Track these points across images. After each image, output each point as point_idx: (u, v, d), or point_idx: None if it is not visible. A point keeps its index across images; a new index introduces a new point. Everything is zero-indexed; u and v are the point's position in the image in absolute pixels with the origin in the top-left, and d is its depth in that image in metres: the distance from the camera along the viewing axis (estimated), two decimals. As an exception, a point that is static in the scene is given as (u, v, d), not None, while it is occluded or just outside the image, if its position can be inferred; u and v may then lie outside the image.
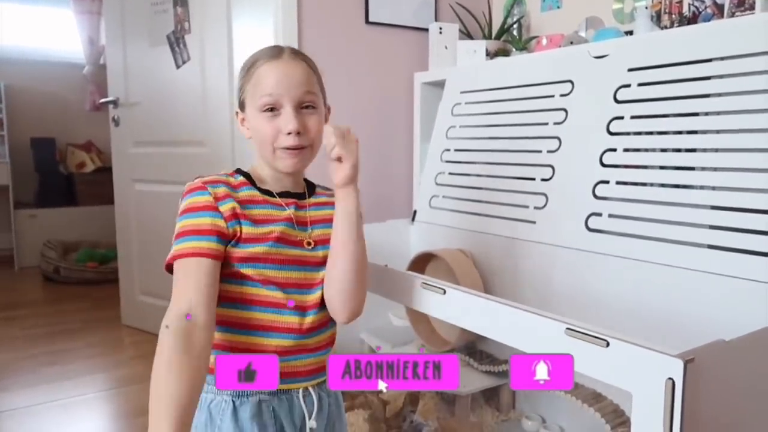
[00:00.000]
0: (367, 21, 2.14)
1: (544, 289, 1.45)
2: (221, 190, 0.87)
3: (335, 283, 0.90)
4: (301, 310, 0.89)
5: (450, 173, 1.80)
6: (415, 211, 1.88)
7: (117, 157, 2.71)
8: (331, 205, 0.96)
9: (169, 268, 0.85)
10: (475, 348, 1.63)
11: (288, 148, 0.89)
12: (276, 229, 0.89)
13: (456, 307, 0.96)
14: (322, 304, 0.92)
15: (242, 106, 0.94)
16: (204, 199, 0.86)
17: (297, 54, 0.95)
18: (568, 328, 0.77)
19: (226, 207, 0.86)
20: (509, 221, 1.56)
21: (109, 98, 2.64)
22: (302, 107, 0.90)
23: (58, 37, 4.38)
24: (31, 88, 4.26)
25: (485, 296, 0.91)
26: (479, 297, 0.91)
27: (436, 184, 1.83)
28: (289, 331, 0.88)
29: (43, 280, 3.64)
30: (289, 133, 0.88)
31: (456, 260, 1.57)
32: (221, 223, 0.85)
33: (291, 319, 0.88)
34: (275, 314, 0.87)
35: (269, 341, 0.87)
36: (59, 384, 2.09)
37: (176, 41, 2.36)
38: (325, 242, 0.93)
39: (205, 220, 0.85)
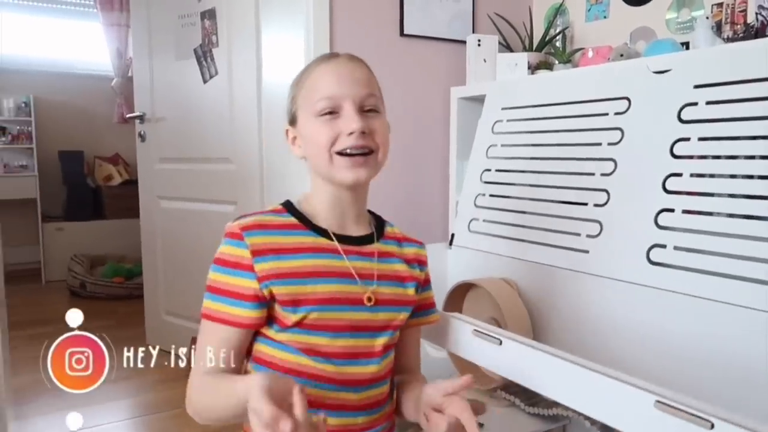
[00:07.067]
0: (401, 33, 2.05)
1: (598, 326, 1.32)
2: (260, 240, 0.74)
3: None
4: (354, 384, 0.75)
5: (491, 195, 1.68)
6: (452, 235, 1.77)
7: (143, 173, 2.66)
8: (400, 257, 0.83)
9: None
10: (522, 387, 1.51)
11: (351, 152, 0.75)
12: (329, 287, 0.75)
13: (515, 362, 0.85)
14: (382, 378, 0.79)
15: (293, 120, 0.82)
16: (239, 253, 0.74)
17: (355, 57, 0.82)
18: (658, 401, 0.65)
19: (262, 266, 0.73)
20: (558, 249, 1.44)
21: (136, 113, 2.59)
22: (365, 111, 0.77)
23: (87, 50, 4.39)
24: (59, 100, 4.27)
25: (551, 351, 0.79)
26: (544, 352, 0.79)
27: (476, 206, 1.71)
28: (338, 409, 0.74)
29: (70, 295, 3.61)
30: (352, 134, 0.75)
31: (500, 291, 1.46)
32: (255, 285, 0.73)
33: (342, 396, 0.75)
34: (323, 390, 0.74)
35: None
36: (81, 411, 2.01)
37: (204, 55, 2.29)
38: (389, 303, 0.79)
39: (240, 282, 0.74)
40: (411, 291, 0.83)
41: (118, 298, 3.52)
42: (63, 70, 4.26)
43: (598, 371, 0.72)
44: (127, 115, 2.80)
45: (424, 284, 0.89)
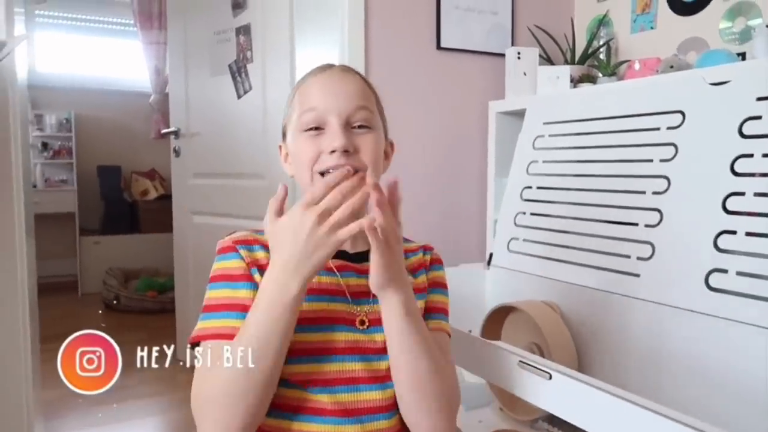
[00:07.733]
0: (438, 46, 2.00)
1: (649, 356, 1.23)
2: (253, 254, 0.70)
3: (400, 403, 0.69)
4: (355, 414, 0.68)
5: (532, 213, 1.61)
6: (490, 255, 1.69)
7: (176, 188, 2.66)
8: (407, 269, 0.75)
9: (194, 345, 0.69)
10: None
11: (333, 170, 0.68)
12: (320, 306, 0.69)
13: (565, 399, 0.77)
14: (392, 408, 0.70)
15: (285, 134, 0.77)
16: (235, 264, 0.70)
17: (349, 68, 0.76)
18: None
19: (258, 278, 0.69)
20: (606, 272, 1.35)
21: (171, 129, 2.60)
22: (353, 126, 0.71)
23: (126, 68, 4.47)
24: (99, 117, 4.35)
25: (610, 390, 0.71)
26: (602, 391, 0.71)
27: (515, 224, 1.64)
28: None
29: (104, 308, 3.64)
30: (333, 152, 0.68)
31: (542, 315, 1.38)
32: (253, 295, 0.67)
33: (342, 430, 0.67)
34: (322, 424, 0.67)
35: None
36: (110, 427, 1.99)
37: (238, 71, 2.28)
38: None
39: (243, 294, 0.68)
40: (418, 304, 0.75)
41: (150, 312, 3.53)
42: (103, 87, 4.35)
43: (667, 416, 0.64)
44: (163, 131, 2.81)
45: (428, 287, 0.80)
